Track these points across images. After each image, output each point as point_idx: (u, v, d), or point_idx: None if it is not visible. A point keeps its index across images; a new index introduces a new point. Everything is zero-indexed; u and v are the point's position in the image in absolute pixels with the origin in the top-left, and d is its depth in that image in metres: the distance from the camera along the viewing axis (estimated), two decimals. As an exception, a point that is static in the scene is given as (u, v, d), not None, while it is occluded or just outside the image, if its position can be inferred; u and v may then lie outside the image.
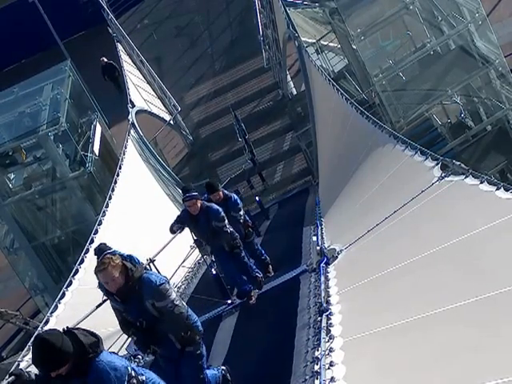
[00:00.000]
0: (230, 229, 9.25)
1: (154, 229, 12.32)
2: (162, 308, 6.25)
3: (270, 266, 10.64)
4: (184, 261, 10.00)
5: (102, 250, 7.60)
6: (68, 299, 9.31)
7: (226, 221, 9.17)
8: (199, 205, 9.00)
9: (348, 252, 8.39)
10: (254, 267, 9.81)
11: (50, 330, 5.05)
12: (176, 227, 9.37)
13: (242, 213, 10.18)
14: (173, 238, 9.28)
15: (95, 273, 6.21)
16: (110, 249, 7.64)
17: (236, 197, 10.17)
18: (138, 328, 6.33)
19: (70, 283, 9.67)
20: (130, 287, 6.14)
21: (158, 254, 8.97)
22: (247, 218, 10.54)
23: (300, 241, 11.80)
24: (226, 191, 10.16)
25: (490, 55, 17.54)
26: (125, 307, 6.30)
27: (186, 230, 9.46)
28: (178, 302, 6.34)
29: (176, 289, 10.94)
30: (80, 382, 4.84)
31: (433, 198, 7.26)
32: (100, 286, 7.56)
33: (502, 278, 5.13)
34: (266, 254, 10.72)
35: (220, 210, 9.12)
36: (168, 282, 6.38)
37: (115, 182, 13.97)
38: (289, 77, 23.88)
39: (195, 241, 9.59)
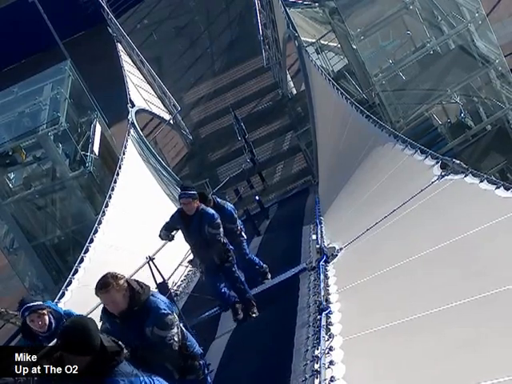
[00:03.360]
0: (224, 239, 8.55)
1: (154, 228, 12.31)
2: (159, 338, 5.82)
3: (269, 274, 10.04)
4: (184, 259, 9.95)
5: (24, 302, 6.78)
6: (67, 299, 9.30)
7: (222, 229, 8.45)
8: (195, 205, 8.35)
9: (347, 250, 8.38)
10: (247, 289, 8.99)
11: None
12: (165, 234, 8.81)
13: (238, 223, 9.58)
14: (171, 237, 9.13)
15: (96, 293, 5.69)
16: (36, 304, 6.70)
17: (231, 207, 9.47)
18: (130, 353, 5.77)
19: (70, 283, 9.67)
20: (134, 311, 5.71)
21: (157, 252, 8.95)
22: (241, 225, 9.85)
23: (299, 239, 11.77)
24: (218, 199, 9.47)
25: (489, 55, 17.54)
26: (122, 329, 5.76)
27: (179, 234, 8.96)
28: (176, 338, 5.91)
29: (176, 287, 10.93)
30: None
31: (432, 197, 7.25)
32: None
33: (501, 277, 5.12)
34: (263, 261, 10.14)
35: (216, 215, 8.39)
36: (173, 312, 5.95)
37: (115, 182, 13.97)
38: (289, 77, 23.89)
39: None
